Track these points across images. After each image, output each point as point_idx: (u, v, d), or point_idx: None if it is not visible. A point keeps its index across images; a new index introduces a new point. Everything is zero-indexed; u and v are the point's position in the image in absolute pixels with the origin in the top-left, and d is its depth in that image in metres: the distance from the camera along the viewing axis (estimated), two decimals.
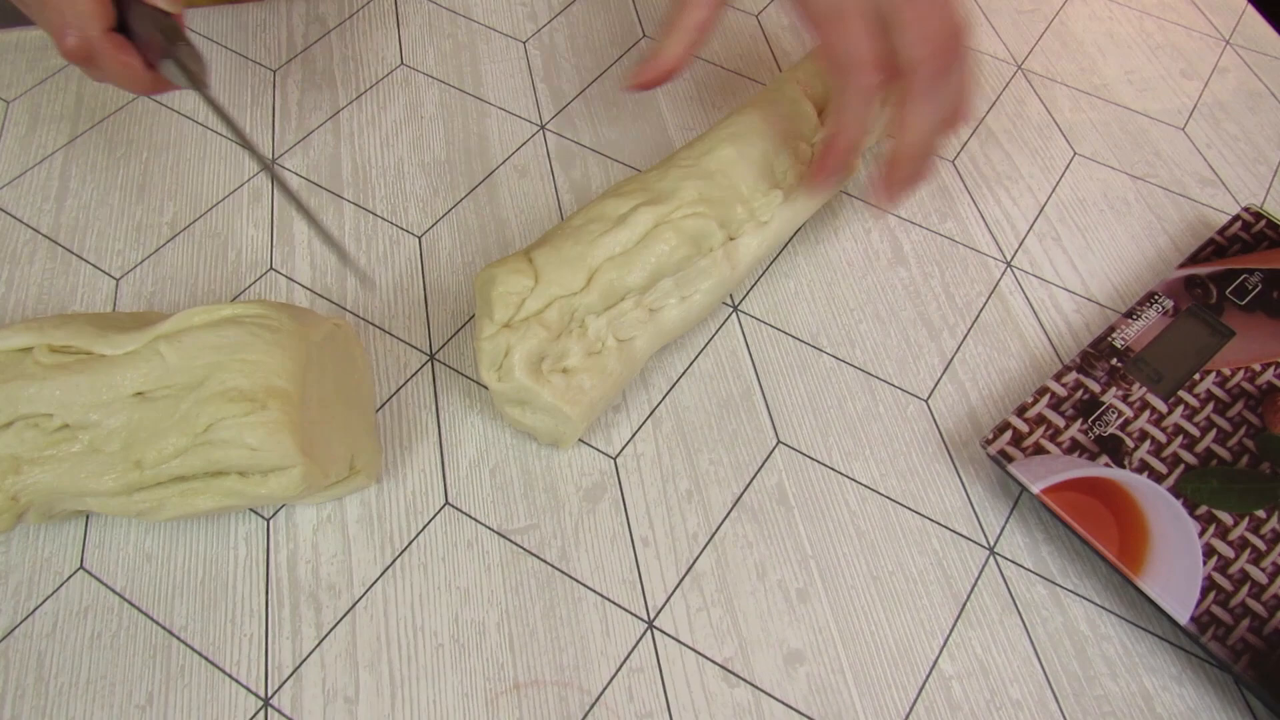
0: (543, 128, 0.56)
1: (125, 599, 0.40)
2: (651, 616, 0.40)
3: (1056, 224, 0.54)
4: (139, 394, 0.37)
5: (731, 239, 0.46)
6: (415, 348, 0.47)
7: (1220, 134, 0.59)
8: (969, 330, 0.49)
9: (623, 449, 0.44)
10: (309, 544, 0.41)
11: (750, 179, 0.47)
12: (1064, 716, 0.39)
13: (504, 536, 0.42)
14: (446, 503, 0.43)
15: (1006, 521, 0.43)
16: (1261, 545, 0.41)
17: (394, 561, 0.41)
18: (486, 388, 0.41)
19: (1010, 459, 0.43)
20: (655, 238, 0.43)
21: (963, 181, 0.55)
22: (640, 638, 0.40)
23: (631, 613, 0.40)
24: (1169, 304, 0.48)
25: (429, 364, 0.47)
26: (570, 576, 0.41)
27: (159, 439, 0.36)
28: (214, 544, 0.41)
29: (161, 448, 0.36)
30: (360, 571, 0.41)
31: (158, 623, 0.39)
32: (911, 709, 0.39)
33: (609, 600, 0.41)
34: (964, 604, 0.41)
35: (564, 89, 0.58)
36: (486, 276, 0.41)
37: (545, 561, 0.41)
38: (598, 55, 0.60)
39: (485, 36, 0.61)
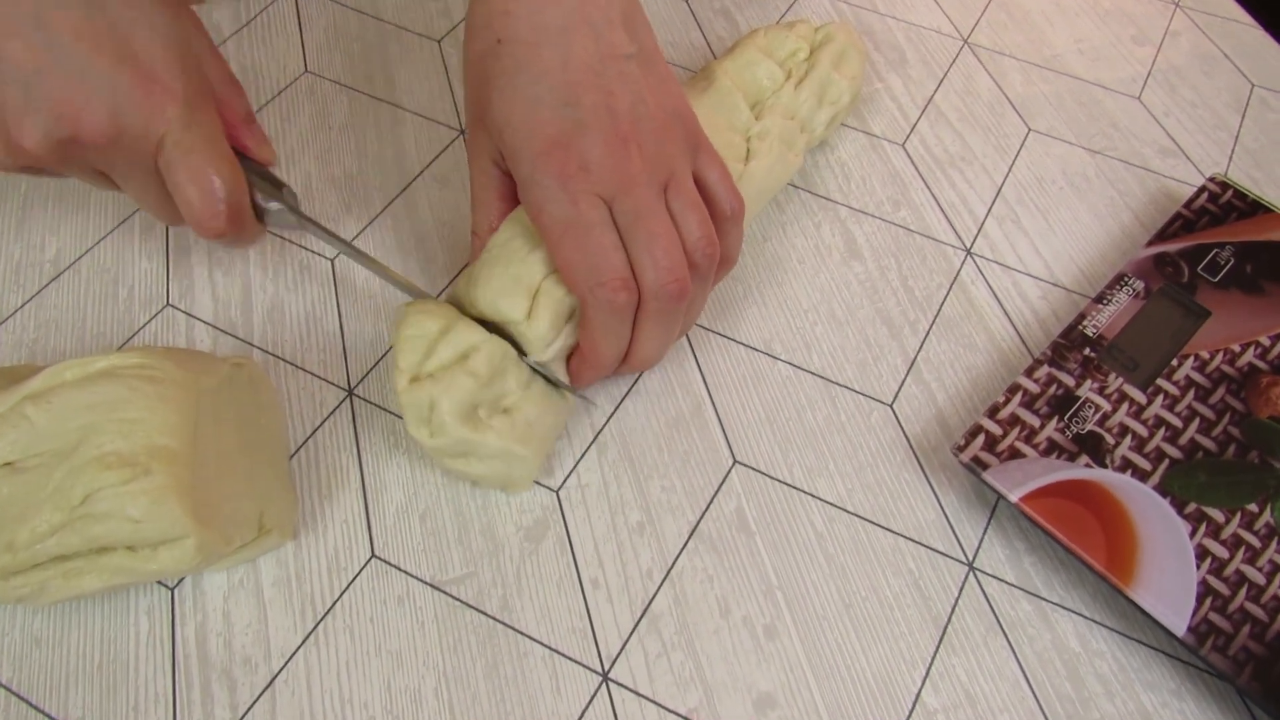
0: (463, 132, 0.52)
1: (11, 691, 0.35)
2: (606, 668, 0.36)
3: (1015, 206, 0.51)
4: (5, 464, 0.33)
5: None
6: (331, 383, 0.43)
7: (1177, 101, 0.56)
8: (931, 326, 0.46)
9: (565, 480, 0.41)
10: (219, 613, 0.37)
11: None
12: None
13: (438, 589, 0.38)
14: (373, 555, 0.39)
15: (984, 533, 0.40)
16: (1256, 542, 0.38)
17: (316, 626, 0.37)
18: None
19: (985, 466, 0.39)
20: None
21: (914, 166, 0.52)
22: (595, 692, 0.36)
23: (583, 665, 0.36)
24: (1140, 285, 0.45)
25: (347, 400, 0.42)
26: (514, 629, 0.37)
27: (30, 516, 0.32)
28: (111, 620, 0.37)
29: (34, 526, 0.32)
30: (279, 640, 0.37)
31: (49, 716, 0.35)
32: None
33: (558, 653, 0.37)
34: (945, 628, 0.38)
35: None
36: (398, 316, 0.37)
37: (485, 614, 0.37)
38: None
39: (397, 37, 0.56)
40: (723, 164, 0.40)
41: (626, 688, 0.36)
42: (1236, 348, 0.43)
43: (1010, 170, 0.52)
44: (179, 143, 0.34)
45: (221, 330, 0.44)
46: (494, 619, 0.37)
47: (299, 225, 0.39)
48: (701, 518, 0.40)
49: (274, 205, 0.38)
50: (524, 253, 0.39)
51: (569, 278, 0.36)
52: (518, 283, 0.38)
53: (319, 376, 0.43)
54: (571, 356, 0.40)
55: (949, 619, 0.38)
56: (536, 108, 0.35)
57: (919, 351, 0.45)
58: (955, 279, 0.48)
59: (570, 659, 0.37)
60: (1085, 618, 0.38)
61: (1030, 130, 0.54)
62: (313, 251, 0.47)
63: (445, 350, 0.36)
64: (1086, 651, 0.38)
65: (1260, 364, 0.43)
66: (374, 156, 0.51)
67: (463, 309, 0.39)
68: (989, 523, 0.40)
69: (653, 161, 0.36)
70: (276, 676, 0.36)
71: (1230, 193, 0.49)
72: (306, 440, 0.41)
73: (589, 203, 0.35)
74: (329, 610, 0.37)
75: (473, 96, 0.39)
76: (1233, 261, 0.46)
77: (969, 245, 0.49)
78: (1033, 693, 0.37)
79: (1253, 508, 0.39)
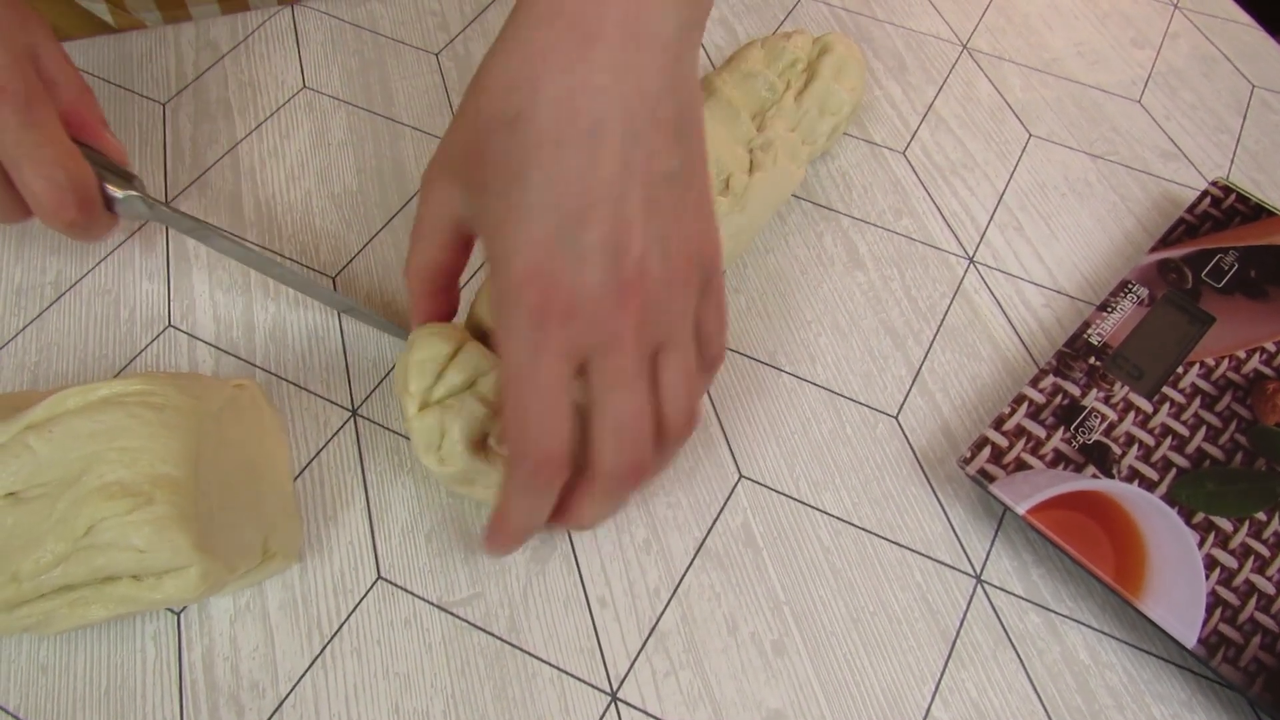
0: None
1: (18, 719, 0.35)
2: (614, 687, 0.36)
3: (1017, 212, 0.51)
4: (9, 495, 0.32)
5: None
6: (335, 403, 0.43)
7: (1178, 103, 0.56)
8: (935, 335, 0.46)
9: None
10: (226, 638, 0.37)
11: None
12: None
13: (445, 610, 0.38)
14: (379, 577, 0.38)
15: (992, 545, 0.40)
16: (1265, 551, 0.38)
17: (324, 649, 0.37)
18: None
19: (991, 478, 0.39)
20: None
21: (916, 174, 0.52)
22: (604, 713, 0.36)
23: (592, 685, 0.36)
24: (1144, 292, 0.45)
25: (351, 420, 0.42)
26: (522, 649, 0.37)
27: (35, 547, 0.32)
28: (118, 647, 0.37)
29: (39, 557, 0.32)
30: (286, 664, 0.36)
31: None
32: None
33: (566, 673, 0.36)
34: (954, 641, 0.38)
35: None
36: (409, 340, 0.37)
37: (493, 635, 0.37)
38: None
39: (394, 51, 0.56)
40: (724, 307, 0.34)
41: (635, 707, 0.36)
42: (1242, 354, 0.43)
43: (1012, 176, 0.52)
44: (20, 141, 0.35)
45: (223, 351, 0.44)
46: (502, 640, 0.37)
47: (152, 213, 0.40)
48: (708, 534, 0.40)
49: (123, 194, 0.39)
50: None
51: (504, 429, 0.31)
52: None
53: (322, 397, 0.43)
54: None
55: (958, 632, 0.38)
56: (533, 221, 0.29)
57: (923, 362, 0.45)
58: (958, 288, 0.47)
59: (578, 679, 0.36)
60: (1095, 630, 0.38)
61: (1031, 135, 0.54)
62: (315, 270, 0.47)
63: (454, 375, 0.35)
64: (1096, 664, 0.37)
65: (1266, 370, 0.43)
66: (373, 172, 0.51)
67: (477, 328, 0.39)
68: (996, 535, 0.40)
69: (652, 322, 0.30)
70: (284, 701, 0.36)
71: (1233, 197, 0.49)
72: (310, 462, 0.41)
73: (555, 357, 0.29)
74: (336, 633, 0.37)
75: (462, 153, 0.32)
76: (1236, 266, 0.46)
77: (972, 253, 0.49)
78: (1043, 706, 0.36)
79: (1261, 516, 0.39)
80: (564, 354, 0.29)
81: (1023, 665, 0.37)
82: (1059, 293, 0.48)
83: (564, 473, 0.31)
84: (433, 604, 0.38)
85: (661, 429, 0.31)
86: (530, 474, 0.30)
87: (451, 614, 0.38)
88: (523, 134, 0.29)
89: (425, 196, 0.34)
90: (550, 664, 0.37)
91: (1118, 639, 0.38)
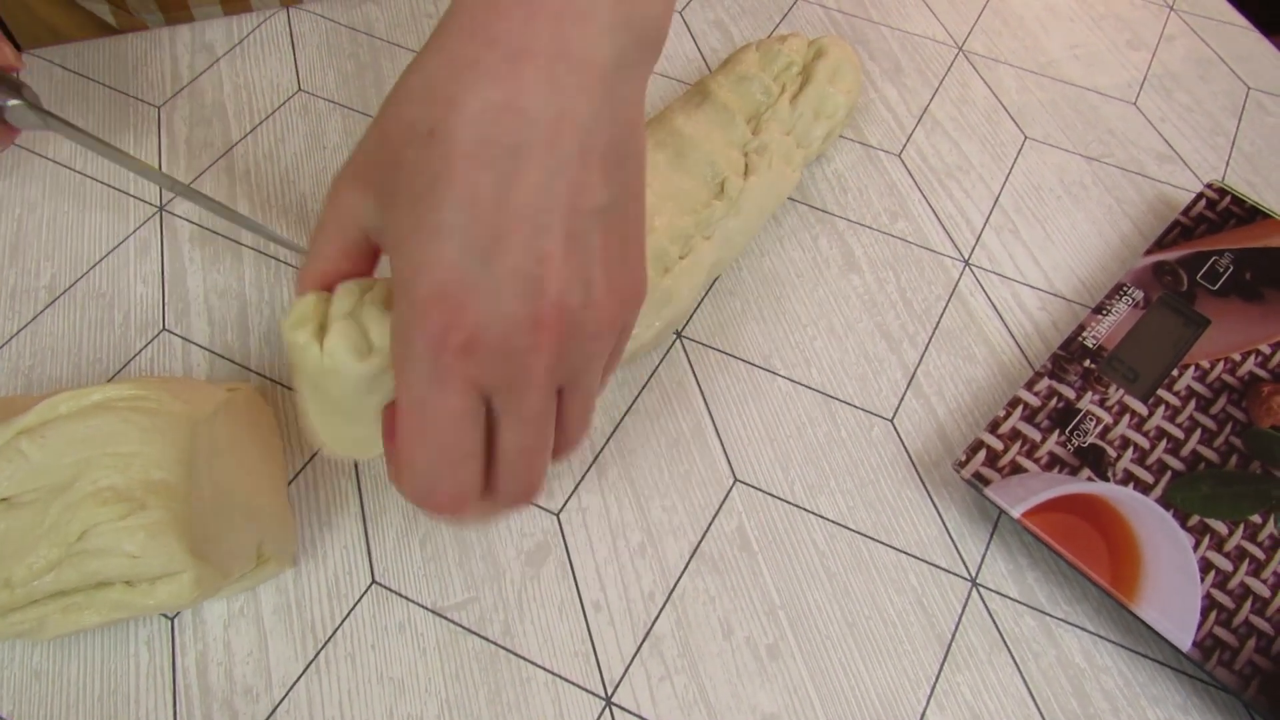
0: None
1: None
2: (609, 692, 0.36)
3: (1013, 215, 0.51)
4: (1, 500, 0.32)
5: (682, 257, 0.43)
6: None
7: (1173, 106, 0.56)
8: (930, 338, 0.46)
9: (565, 503, 0.40)
10: (220, 643, 0.37)
11: (689, 190, 0.43)
12: None
13: (440, 615, 0.38)
14: (374, 581, 0.38)
15: (987, 548, 0.40)
16: (1260, 554, 0.38)
17: (318, 654, 0.37)
18: None
19: (986, 481, 0.39)
20: None
21: (911, 177, 0.52)
22: (598, 717, 0.36)
23: (586, 689, 0.36)
24: (1139, 295, 0.45)
25: None
26: (516, 654, 0.37)
27: (27, 552, 0.32)
28: (112, 652, 0.37)
29: (31, 563, 0.32)
30: (280, 669, 0.36)
31: None
32: None
33: (560, 677, 0.36)
34: (949, 645, 0.38)
35: None
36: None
37: (487, 639, 0.37)
38: None
39: (390, 54, 0.56)
40: (598, 384, 0.30)
41: (630, 712, 0.36)
42: (1237, 356, 0.43)
43: (1007, 179, 0.52)
44: None
45: (218, 354, 0.44)
46: (496, 644, 0.37)
47: (43, 123, 0.40)
48: (703, 538, 0.40)
49: (12, 102, 0.39)
50: None
51: (397, 466, 0.28)
52: None
53: None
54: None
55: (953, 636, 0.38)
56: (442, 240, 0.26)
57: (919, 365, 0.45)
58: (954, 291, 0.47)
59: (573, 683, 0.36)
60: (1090, 633, 0.38)
61: (1027, 138, 0.54)
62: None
63: (341, 302, 0.32)
64: (1092, 667, 0.37)
65: (1261, 372, 0.43)
66: None
67: None
68: (991, 538, 0.40)
69: (565, 364, 0.27)
70: (278, 706, 0.36)
71: (1228, 199, 0.49)
72: (305, 465, 0.41)
73: (456, 391, 0.26)
74: (330, 638, 0.37)
75: (375, 161, 0.29)
76: (1232, 269, 0.46)
77: (967, 256, 0.49)
78: (1038, 709, 0.36)
79: (1256, 519, 0.39)
80: (466, 387, 0.26)
81: (1018, 668, 0.37)
82: (1054, 295, 0.48)
83: (461, 511, 0.28)
84: (427, 608, 0.38)
85: (557, 451, 0.30)
86: (432, 513, 0.28)
87: (446, 618, 0.38)
88: (440, 147, 0.27)
89: (332, 201, 0.31)
90: (545, 668, 0.37)
91: (1113, 642, 0.38)
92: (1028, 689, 0.37)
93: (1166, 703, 0.37)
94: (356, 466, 0.41)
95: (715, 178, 0.44)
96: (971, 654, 0.37)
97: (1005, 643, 0.38)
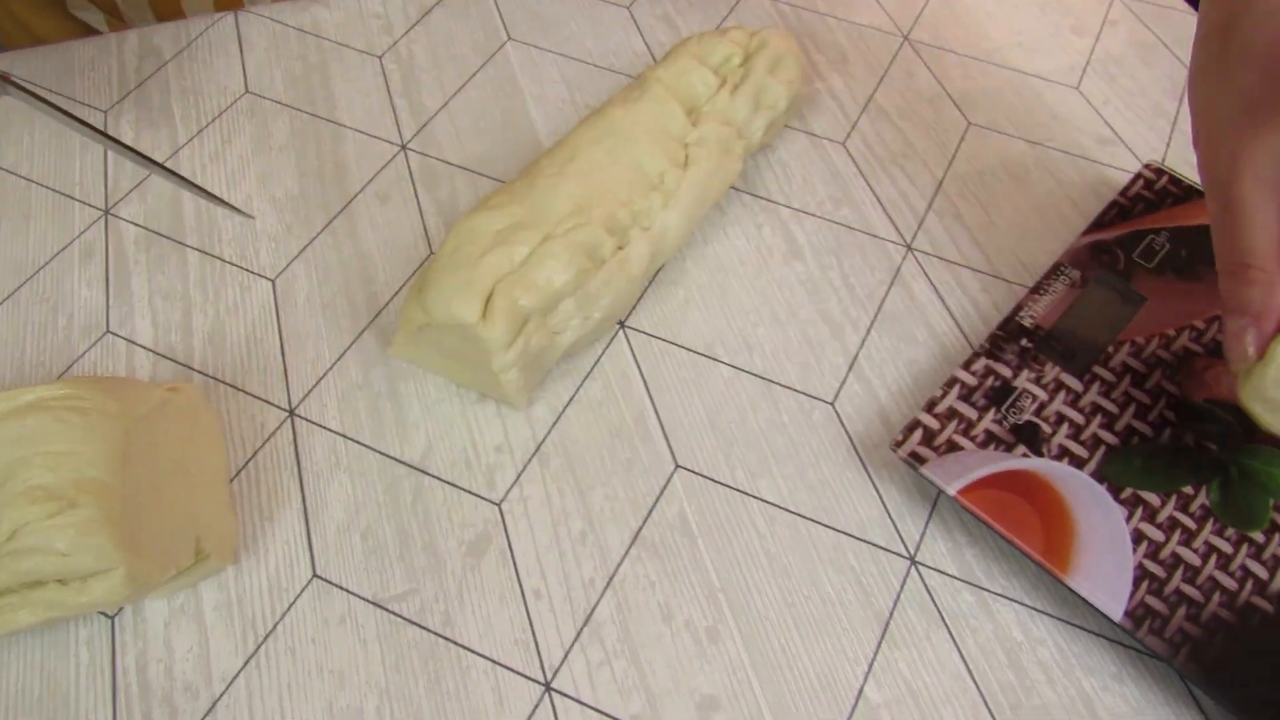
0: (404, 147, 0.52)
1: None
2: (548, 678, 0.36)
3: (956, 200, 0.51)
4: None
5: (621, 248, 0.43)
6: (273, 404, 0.43)
7: (1115, 90, 0.57)
8: (872, 323, 0.46)
9: (507, 493, 0.41)
10: (160, 641, 0.37)
11: (625, 182, 0.44)
12: None
13: (380, 606, 0.38)
14: (314, 575, 0.39)
15: (926, 527, 0.40)
16: (1192, 524, 0.38)
17: (258, 649, 0.37)
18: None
19: (923, 460, 0.39)
20: (544, 254, 0.40)
21: (855, 164, 0.52)
22: (537, 703, 0.36)
23: (526, 676, 0.36)
24: (1076, 274, 0.45)
25: (289, 420, 0.42)
26: (456, 643, 0.37)
27: None
28: (51, 652, 0.37)
29: None
30: (220, 665, 0.37)
31: None
32: None
33: (500, 665, 0.37)
34: (887, 622, 0.38)
35: (426, 104, 0.54)
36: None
37: (427, 629, 0.37)
38: (460, 65, 0.56)
39: (338, 55, 0.56)
40: None
41: (569, 697, 0.36)
42: (1172, 332, 0.44)
43: (950, 165, 0.53)
44: None
45: (161, 355, 0.44)
46: (436, 634, 0.37)
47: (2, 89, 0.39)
48: (644, 524, 0.40)
49: None
50: (474, 258, 0.40)
51: (1219, 251, 0.32)
52: (470, 286, 0.39)
53: (260, 398, 0.43)
54: None
55: (891, 614, 0.38)
56: None
57: (860, 349, 0.45)
58: (896, 275, 0.48)
59: (513, 670, 0.37)
60: (1027, 606, 0.39)
61: (970, 124, 0.55)
62: (254, 273, 0.47)
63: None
64: (1028, 640, 0.38)
65: (1195, 347, 0.43)
66: (315, 175, 0.51)
67: (425, 318, 0.39)
68: (930, 517, 0.41)
69: None
70: (218, 701, 0.36)
71: (1165, 179, 0.49)
72: (247, 463, 0.41)
73: None
74: (270, 632, 0.37)
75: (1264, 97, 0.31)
76: (1168, 247, 0.47)
77: (910, 241, 0.49)
78: (975, 683, 0.37)
79: (1188, 490, 0.39)
80: None
81: (955, 643, 0.38)
82: (995, 277, 0.48)
83: None
84: (367, 600, 0.38)
85: None
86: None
87: (386, 610, 0.38)
88: None
89: (1241, 158, 0.32)
90: (485, 656, 0.37)
91: (1050, 615, 0.38)
92: (964, 663, 0.37)
93: (1101, 672, 0.37)
94: (299, 462, 0.41)
95: (654, 171, 0.45)
96: (909, 631, 0.38)
97: (943, 619, 0.38)
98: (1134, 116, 0.55)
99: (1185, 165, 0.53)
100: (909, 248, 0.49)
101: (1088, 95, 0.56)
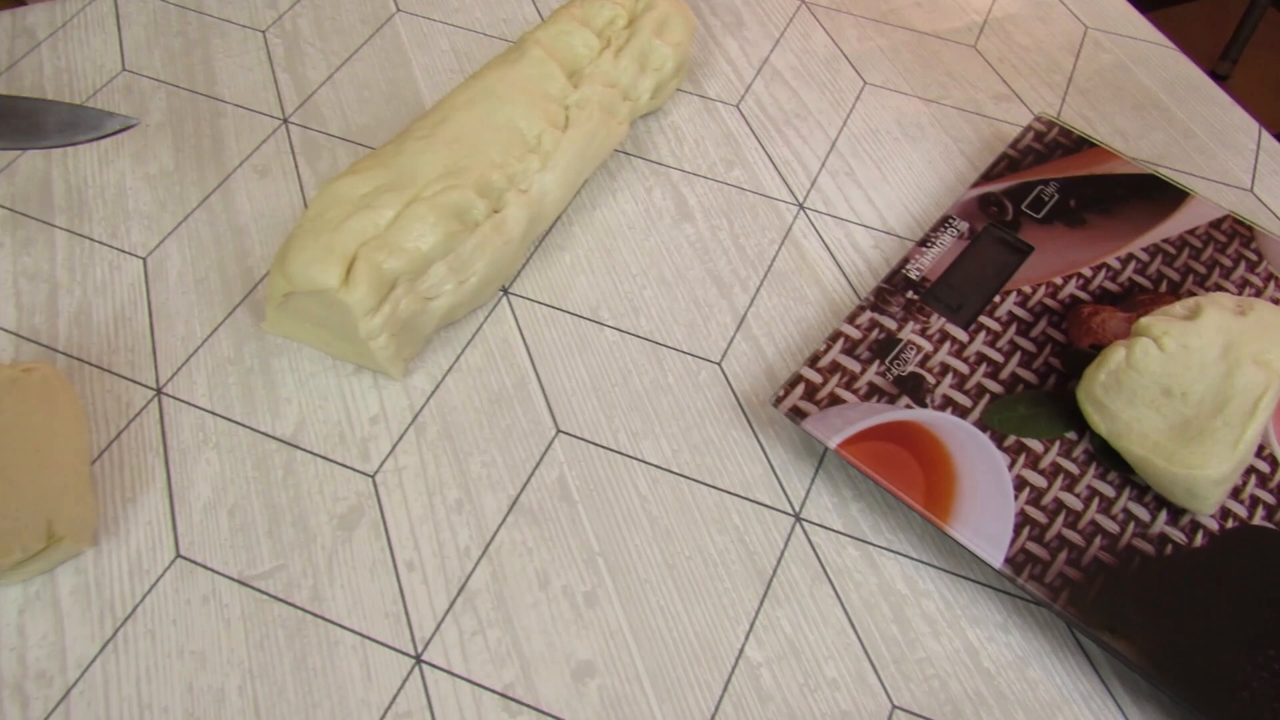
0: (285, 121, 0.51)
1: None
2: (419, 650, 0.35)
3: (849, 158, 0.51)
4: None
5: (497, 211, 0.42)
6: (139, 384, 0.41)
7: (1012, 47, 0.56)
8: (762, 282, 0.45)
9: (381, 465, 0.39)
10: (13, 628, 0.35)
11: (500, 144, 0.42)
12: (884, 688, 0.35)
13: (245, 584, 0.36)
14: (178, 555, 0.37)
15: (812, 483, 0.40)
16: (1075, 469, 0.38)
17: (115, 633, 0.35)
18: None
19: (804, 415, 0.39)
20: (411, 217, 0.39)
21: (749, 125, 0.52)
22: (407, 676, 0.35)
23: (396, 649, 0.35)
24: (964, 226, 0.45)
25: (155, 400, 0.41)
26: (324, 618, 0.36)
27: None
28: None
29: None
30: (76, 651, 0.35)
31: None
32: (717, 708, 0.34)
33: (370, 639, 0.35)
34: (770, 580, 0.37)
35: (309, 76, 0.53)
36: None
37: (294, 606, 0.36)
38: (346, 37, 0.55)
39: (220, 30, 0.55)
40: None
41: (440, 669, 0.35)
42: (1059, 280, 0.43)
43: (845, 124, 0.52)
44: None
45: (24, 338, 0.42)
46: (304, 610, 0.36)
47: None
48: (522, 490, 0.39)
49: None
50: (337, 222, 0.38)
51: None
52: (330, 251, 0.37)
53: (126, 378, 0.41)
54: None
55: (774, 571, 0.37)
56: None
57: (749, 308, 0.44)
58: (787, 234, 0.47)
59: (382, 644, 0.35)
60: (913, 559, 0.38)
61: (866, 84, 0.54)
62: (125, 252, 0.45)
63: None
64: (913, 592, 0.37)
65: (1082, 294, 0.43)
66: (191, 151, 0.49)
67: (288, 286, 0.38)
68: (816, 473, 0.40)
69: None
70: (72, 688, 0.34)
71: (1055, 130, 0.49)
72: (111, 443, 0.40)
73: None
74: (130, 615, 0.36)
75: None
76: (1056, 197, 0.46)
77: (802, 200, 0.49)
78: (858, 638, 0.36)
79: (1071, 435, 0.39)
80: None
81: (839, 599, 0.37)
82: (888, 234, 0.47)
83: None
84: (233, 579, 0.37)
85: None
86: None
87: (252, 588, 0.36)
88: None
89: None
90: (354, 630, 0.36)
91: (935, 566, 0.38)
92: (848, 618, 0.36)
93: (986, 622, 0.37)
94: (165, 441, 0.40)
95: (531, 132, 0.43)
96: (793, 588, 0.37)
97: (827, 574, 0.37)
98: (1030, 72, 0.55)
99: (1081, 119, 0.52)
100: (801, 207, 0.48)
101: (984, 53, 0.56)
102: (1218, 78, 1.70)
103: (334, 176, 0.41)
